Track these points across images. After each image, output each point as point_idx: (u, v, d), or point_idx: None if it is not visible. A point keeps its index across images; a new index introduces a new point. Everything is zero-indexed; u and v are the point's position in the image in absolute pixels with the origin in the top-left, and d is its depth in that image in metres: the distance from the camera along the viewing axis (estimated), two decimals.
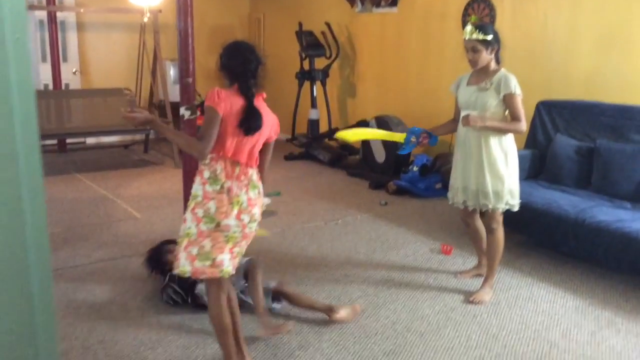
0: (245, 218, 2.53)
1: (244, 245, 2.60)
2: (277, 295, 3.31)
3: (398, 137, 3.70)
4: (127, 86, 7.71)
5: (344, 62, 7.76)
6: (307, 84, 7.59)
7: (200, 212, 2.48)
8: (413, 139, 3.59)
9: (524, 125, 3.35)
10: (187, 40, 4.06)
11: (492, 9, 5.76)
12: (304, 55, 7.53)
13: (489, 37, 3.32)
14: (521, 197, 3.53)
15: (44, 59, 7.84)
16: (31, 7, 7.34)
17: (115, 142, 8.35)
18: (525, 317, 3.36)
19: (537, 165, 4.85)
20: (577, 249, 3.93)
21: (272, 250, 4.25)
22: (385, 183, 6.13)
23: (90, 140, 8.36)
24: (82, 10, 7.67)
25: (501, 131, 3.37)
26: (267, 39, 8.99)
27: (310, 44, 7.47)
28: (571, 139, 4.67)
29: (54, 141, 7.82)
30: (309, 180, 6.54)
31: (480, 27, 3.33)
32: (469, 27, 3.35)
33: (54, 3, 7.49)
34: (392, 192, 6.00)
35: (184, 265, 2.49)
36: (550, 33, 5.30)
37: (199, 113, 4.26)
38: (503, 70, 3.41)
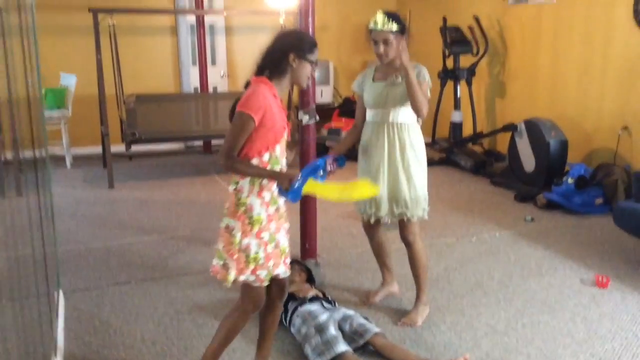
0: None
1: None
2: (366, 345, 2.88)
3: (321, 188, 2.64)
4: None
5: (493, 60, 7.08)
6: (450, 83, 7.04)
7: None
8: (320, 173, 2.63)
9: (426, 108, 2.98)
10: None
11: None
12: (447, 53, 6.98)
13: (401, 27, 2.93)
14: None
15: (194, 63, 8.13)
16: (181, 12, 7.66)
17: None
18: None
19: None
20: None
21: (395, 268, 3.84)
22: (534, 195, 5.43)
23: None
24: (225, 14, 7.84)
25: (412, 94, 2.92)
26: (413, 35, 8.53)
27: (456, 40, 6.90)
28: None
29: (200, 142, 8.13)
30: (447, 189, 6.01)
31: (393, 16, 2.90)
32: (380, 17, 2.91)
33: (202, 7, 7.70)
34: (542, 206, 5.28)
35: None
36: None
37: (318, 118, 4.01)
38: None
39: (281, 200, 2.39)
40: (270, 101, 2.28)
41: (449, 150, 6.97)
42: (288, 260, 2.45)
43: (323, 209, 4.91)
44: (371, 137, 3.15)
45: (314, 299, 3.13)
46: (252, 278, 2.33)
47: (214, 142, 8.11)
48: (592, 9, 5.67)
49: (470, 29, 6.93)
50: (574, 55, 5.93)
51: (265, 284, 2.39)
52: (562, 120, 5.84)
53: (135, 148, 6.98)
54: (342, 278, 3.81)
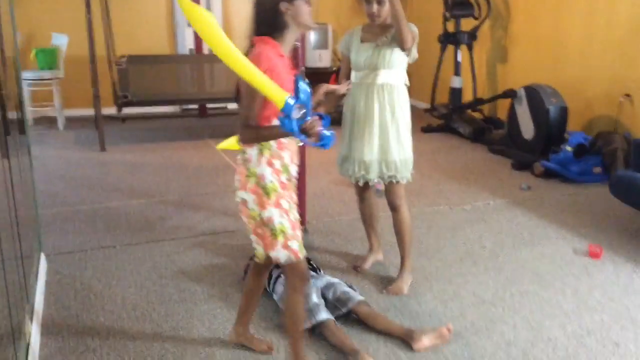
0: None
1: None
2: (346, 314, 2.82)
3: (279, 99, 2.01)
4: None
5: (496, 23, 6.88)
6: (450, 48, 6.85)
7: None
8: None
9: (411, 42, 2.86)
10: None
11: None
12: (448, 16, 6.78)
13: None
14: None
15: (189, 23, 7.93)
16: None
17: None
18: None
19: None
20: None
21: (382, 236, 3.77)
22: (532, 163, 5.32)
23: (232, 106, 8.41)
24: None
25: (398, 22, 2.78)
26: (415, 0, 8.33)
27: (457, 2, 6.70)
28: None
29: (196, 106, 8.01)
30: (443, 156, 5.91)
31: None
32: None
33: None
34: (539, 174, 5.18)
35: None
36: None
37: (307, 81, 3.89)
38: None
39: (293, 170, 2.26)
40: (276, 62, 2.11)
41: (448, 117, 6.83)
42: None
43: (314, 175, 4.84)
44: (360, 99, 3.03)
45: None
46: (285, 254, 2.20)
47: (210, 105, 8.00)
48: None
49: None
50: (577, 21, 5.74)
51: (302, 255, 2.24)
52: (564, 86, 5.68)
53: (129, 110, 6.88)
54: (331, 245, 3.75)
